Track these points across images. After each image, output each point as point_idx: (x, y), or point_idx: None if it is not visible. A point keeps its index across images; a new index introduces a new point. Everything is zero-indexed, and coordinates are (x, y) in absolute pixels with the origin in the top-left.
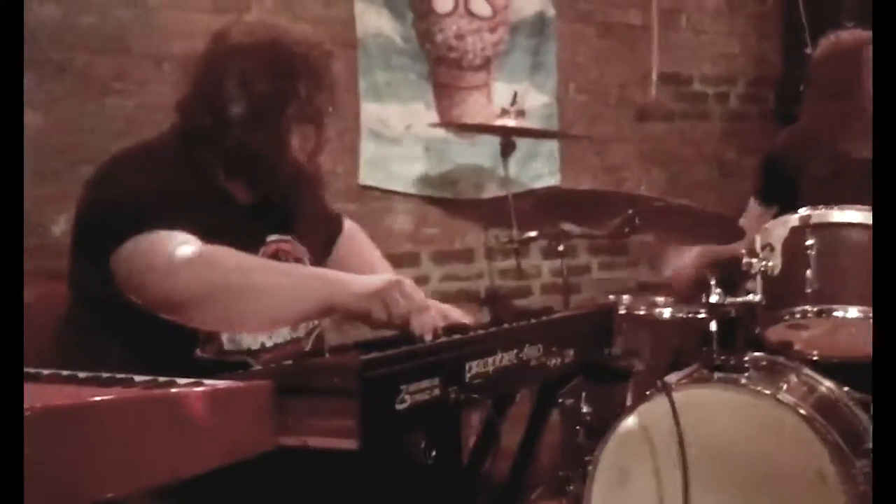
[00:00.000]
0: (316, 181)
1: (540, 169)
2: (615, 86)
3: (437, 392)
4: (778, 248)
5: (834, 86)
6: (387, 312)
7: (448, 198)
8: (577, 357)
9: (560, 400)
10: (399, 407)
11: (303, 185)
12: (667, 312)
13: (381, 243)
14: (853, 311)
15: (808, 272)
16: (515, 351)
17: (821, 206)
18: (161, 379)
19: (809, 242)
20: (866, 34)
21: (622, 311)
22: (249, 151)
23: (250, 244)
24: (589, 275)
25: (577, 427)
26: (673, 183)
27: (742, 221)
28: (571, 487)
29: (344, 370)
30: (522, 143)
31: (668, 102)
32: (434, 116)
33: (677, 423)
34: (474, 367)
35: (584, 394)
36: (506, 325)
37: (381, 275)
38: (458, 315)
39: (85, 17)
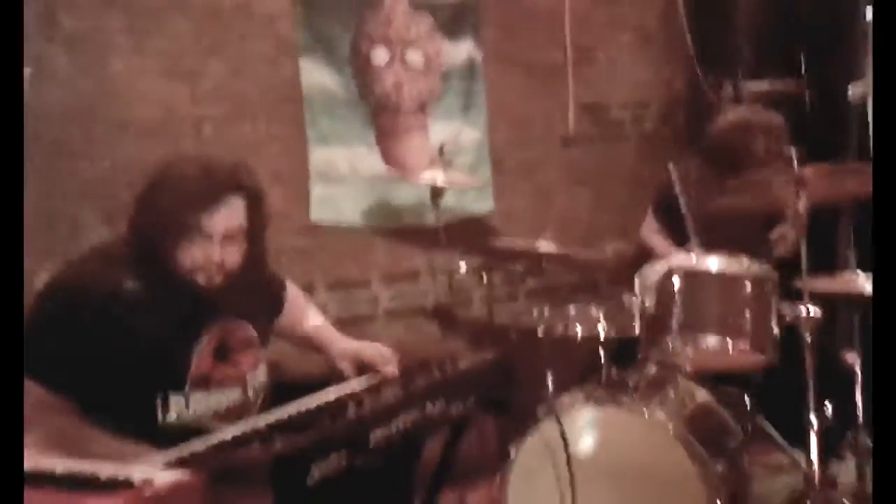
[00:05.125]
0: (262, 272)
1: (475, 196)
2: (540, 117)
3: (343, 463)
4: (653, 289)
5: (732, 152)
6: None
7: (392, 227)
8: (480, 400)
9: None
10: (309, 483)
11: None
12: (579, 331)
13: (333, 271)
14: (711, 340)
15: (675, 310)
16: (418, 410)
17: (686, 255)
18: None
19: (676, 285)
20: (762, 117)
21: (541, 334)
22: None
23: (196, 330)
24: (515, 302)
25: None
26: (597, 200)
27: (643, 229)
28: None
29: (258, 463)
30: (458, 170)
31: (589, 129)
32: (377, 157)
33: (565, 441)
34: (377, 434)
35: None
36: (410, 387)
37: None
38: (386, 353)
39: (53, 90)
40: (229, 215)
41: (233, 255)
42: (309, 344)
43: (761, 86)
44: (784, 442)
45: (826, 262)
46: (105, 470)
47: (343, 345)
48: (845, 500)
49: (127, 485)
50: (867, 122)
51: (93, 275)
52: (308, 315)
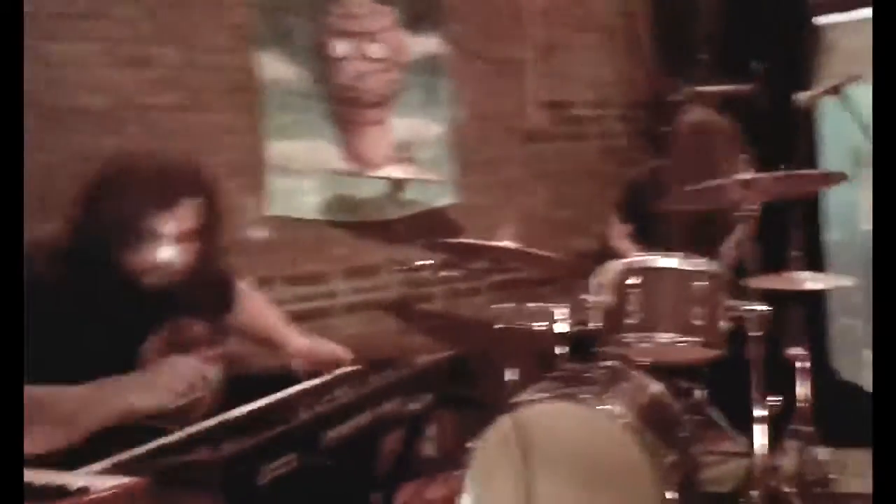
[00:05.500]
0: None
1: (436, 191)
2: (503, 113)
3: (294, 464)
4: (609, 286)
5: (688, 155)
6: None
7: (352, 221)
8: (436, 397)
9: None
10: (260, 483)
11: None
12: (538, 325)
13: (291, 265)
14: (665, 337)
15: (632, 306)
16: (373, 410)
17: (643, 253)
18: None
19: (633, 282)
20: (717, 121)
21: (500, 326)
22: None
23: (146, 328)
24: (477, 296)
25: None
26: (558, 196)
27: (612, 236)
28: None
29: (207, 466)
30: (420, 165)
31: (551, 126)
32: (336, 151)
33: (523, 435)
34: (331, 434)
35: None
36: (366, 384)
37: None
38: (340, 352)
39: None
40: (183, 218)
41: (184, 256)
42: (264, 341)
43: (714, 89)
44: (732, 430)
45: (774, 261)
46: (39, 478)
47: (298, 343)
48: (787, 488)
49: (62, 493)
50: (814, 129)
51: (33, 272)
52: (262, 312)
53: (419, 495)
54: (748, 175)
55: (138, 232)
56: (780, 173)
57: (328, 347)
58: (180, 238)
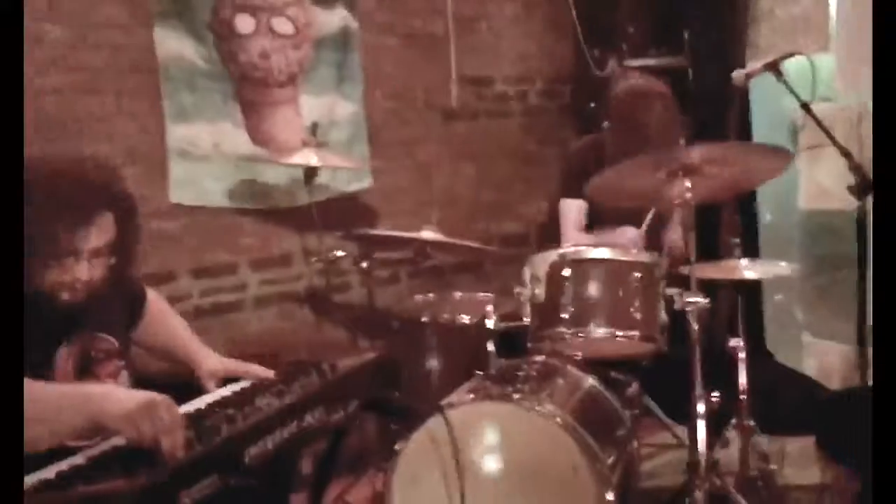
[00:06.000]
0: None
1: (351, 174)
2: (421, 90)
3: (217, 486)
4: (542, 278)
5: (628, 122)
6: (140, 433)
7: (261, 208)
8: (361, 404)
9: None
10: None
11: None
12: (466, 318)
13: (197, 256)
14: (600, 331)
15: (565, 299)
16: (295, 422)
17: (576, 245)
18: None
19: (566, 274)
20: (656, 85)
21: (425, 319)
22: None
23: (55, 344)
24: (397, 284)
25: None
26: (481, 177)
27: (566, 232)
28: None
29: (120, 497)
30: (333, 149)
31: (473, 103)
32: (242, 134)
33: (452, 438)
34: (252, 452)
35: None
36: (287, 397)
37: (140, 394)
38: (260, 372)
39: None
40: (99, 233)
41: (98, 270)
42: (172, 358)
43: (645, 62)
44: (670, 421)
45: (709, 250)
46: None
47: (212, 365)
48: (728, 484)
49: None
50: (747, 105)
51: None
52: (172, 326)
53: (342, 499)
54: (684, 150)
55: (53, 249)
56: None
57: (244, 368)
58: (96, 253)
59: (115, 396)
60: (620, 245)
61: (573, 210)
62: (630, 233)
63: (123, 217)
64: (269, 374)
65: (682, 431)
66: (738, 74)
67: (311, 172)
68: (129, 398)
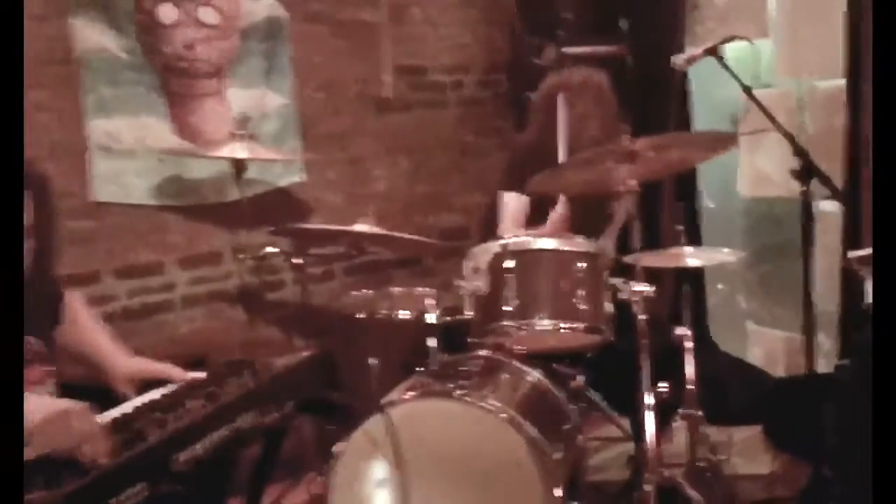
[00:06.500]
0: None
1: (282, 168)
2: (353, 81)
3: (146, 493)
4: (484, 270)
5: (550, 117)
6: (53, 445)
7: (188, 204)
8: (297, 405)
9: None
10: None
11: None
12: (404, 314)
13: (121, 256)
14: (544, 323)
15: (508, 292)
16: (227, 425)
17: (519, 235)
18: None
19: (509, 266)
20: (589, 76)
21: (362, 315)
22: None
23: None
24: (331, 281)
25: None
26: (417, 169)
27: (504, 216)
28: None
29: None
30: (264, 142)
31: (407, 93)
32: (167, 128)
33: (392, 436)
34: (182, 457)
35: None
36: (219, 399)
37: (57, 403)
38: (175, 372)
39: None
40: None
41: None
42: (85, 362)
43: (584, 49)
44: (615, 414)
45: (653, 238)
46: None
47: (127, 368)
48: (677, 475)
49: None
50: (687, 92)
51: None
52: (87, 328)
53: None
54: (625, 141)
55: None
56: (657, 137)
57: (158, 368)
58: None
59: (25, 409)
60: (551, 227)
61: (512, 203)
62: (554, 215)
63: (39, 196)
64: (187, 376)
65: (629, 425)
66: (677, 59)
67: (240, 166)
68: (40, 409)
